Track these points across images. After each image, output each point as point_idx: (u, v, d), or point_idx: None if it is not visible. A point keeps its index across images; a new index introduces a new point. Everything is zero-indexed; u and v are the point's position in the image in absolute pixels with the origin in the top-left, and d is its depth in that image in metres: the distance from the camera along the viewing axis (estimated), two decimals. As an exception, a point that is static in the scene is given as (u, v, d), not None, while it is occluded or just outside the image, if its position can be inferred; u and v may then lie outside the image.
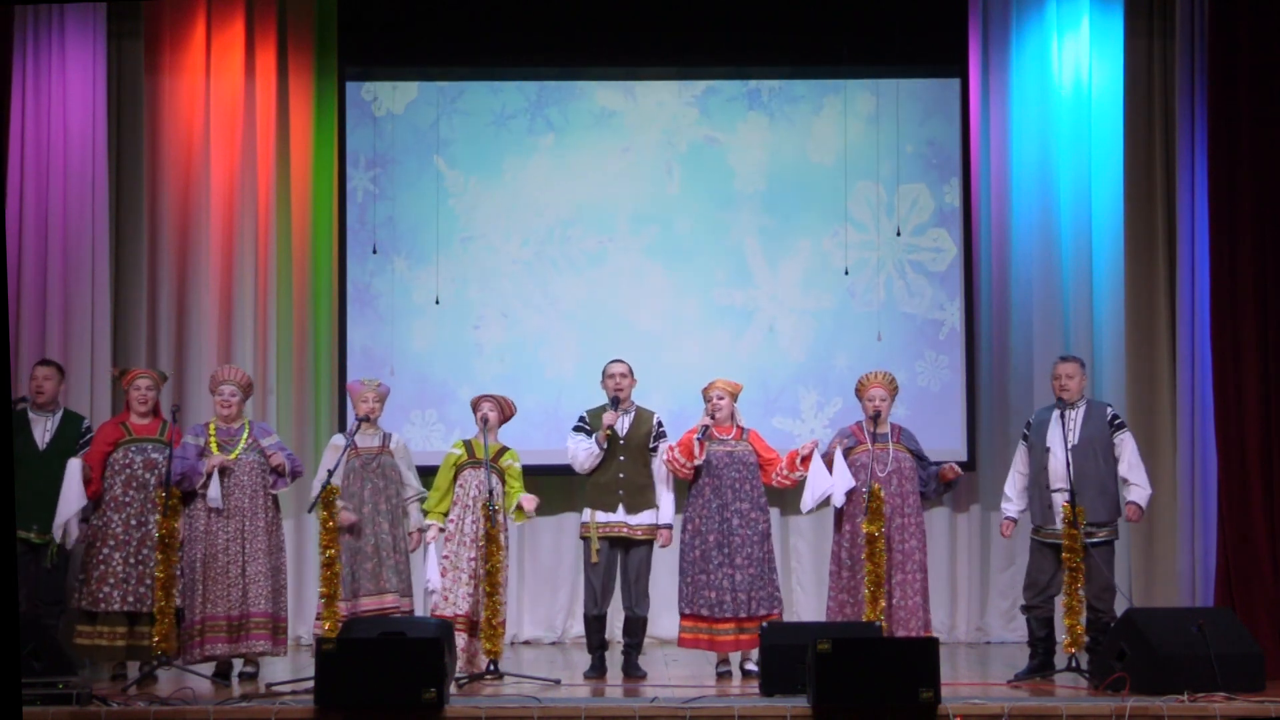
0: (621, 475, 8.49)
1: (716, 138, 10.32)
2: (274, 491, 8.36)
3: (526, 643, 10.13)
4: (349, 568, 8.23)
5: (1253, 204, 8.92)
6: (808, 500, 8.36)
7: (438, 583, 8.20)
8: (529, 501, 8.35)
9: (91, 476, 8.25)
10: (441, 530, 8.32)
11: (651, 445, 8.56)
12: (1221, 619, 7.81)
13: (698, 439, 8.33)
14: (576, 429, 8.62)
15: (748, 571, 8.28)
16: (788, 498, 9.69)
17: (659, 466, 8.53)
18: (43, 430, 8.52)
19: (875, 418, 8.43)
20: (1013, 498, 8.53)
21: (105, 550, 8.21)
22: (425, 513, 8.43)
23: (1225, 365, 8.89)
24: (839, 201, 10.18)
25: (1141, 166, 9.91)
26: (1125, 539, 9.61)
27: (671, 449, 8.43)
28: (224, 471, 8.21)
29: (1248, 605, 8.56)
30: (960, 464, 9.97)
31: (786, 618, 8.92)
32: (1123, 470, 8.38)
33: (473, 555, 8.22)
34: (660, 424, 8.64)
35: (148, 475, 8.28)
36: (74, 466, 8.17)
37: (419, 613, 8.53)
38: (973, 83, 10.27)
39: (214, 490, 8.18)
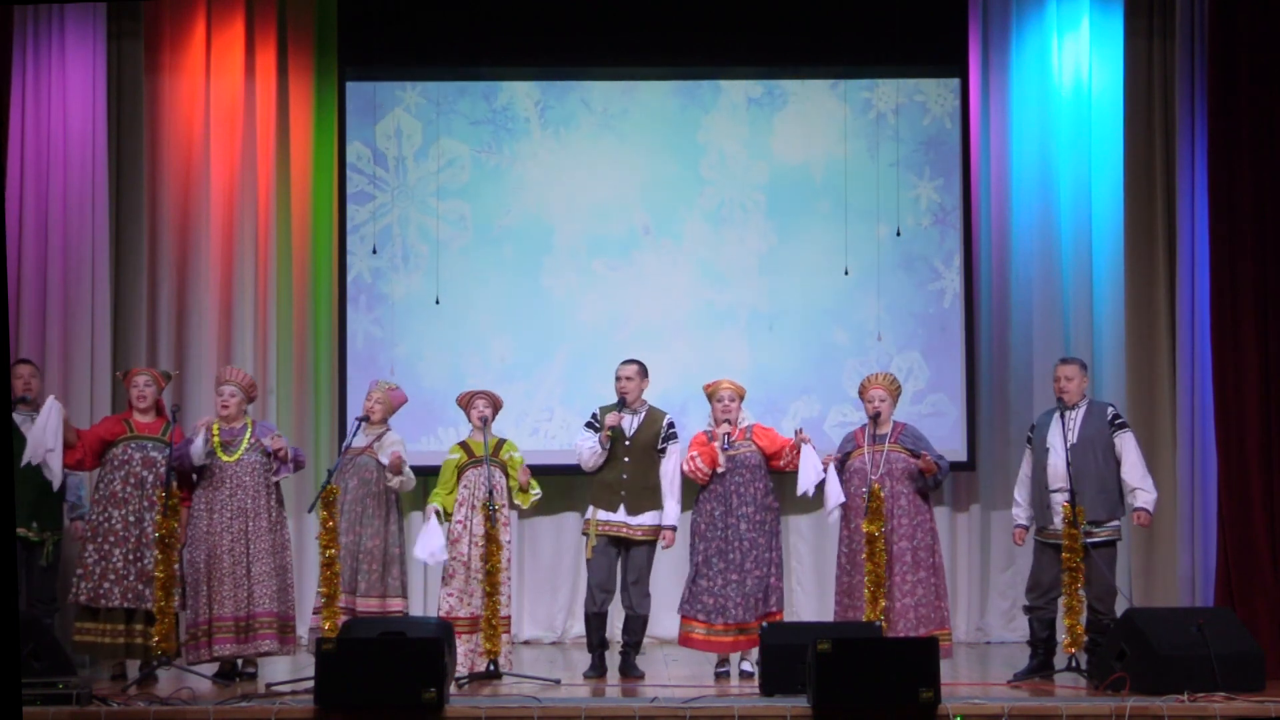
0: (625, 476, 8.46)
1: (716, 138, 10.32)
2: (275, 479, 8.27)
3: (526, 643, 10.12)
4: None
5: (1253, 204, 8.91)
6: (801, 486, 8.32)
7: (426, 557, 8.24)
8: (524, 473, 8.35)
9: (74, 440, 8.21)
10: (438, 513, 8.32)
11: (660, 446, 8.52)
12: (1221, 619, 7.80)
13: (722, 449, 8.30)
14: (587, 425, 8.60)
15: (754, 575, 8.26)
16: (788, 498, 9.67)
17: (670, 468, 8.48)
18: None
19: (875, 418, 8.42)
20: (1022, 503, 8.48)
21: (106, 546, 8.20)
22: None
23: (1225, 365, 8.89)
24: (839, 201, 10.17)
25: (1141, 166, 9.90)
26: (1126, 539, 9.60)
27: (693, 459, 8.38)
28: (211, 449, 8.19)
29: (1248, 605, 8.55)
30: (960, 464, 10.02)
31: (786, 618, 8.91)
32: (1126, 474, 8.33)
33: (482, 555, 8.21)
34: (671, 425, 8.56)
35: (145, 473, 8.28)
36: (54, 404, 8.09)
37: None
38: (973, 83, 10.27)
39: (198, 445, 8.13)
